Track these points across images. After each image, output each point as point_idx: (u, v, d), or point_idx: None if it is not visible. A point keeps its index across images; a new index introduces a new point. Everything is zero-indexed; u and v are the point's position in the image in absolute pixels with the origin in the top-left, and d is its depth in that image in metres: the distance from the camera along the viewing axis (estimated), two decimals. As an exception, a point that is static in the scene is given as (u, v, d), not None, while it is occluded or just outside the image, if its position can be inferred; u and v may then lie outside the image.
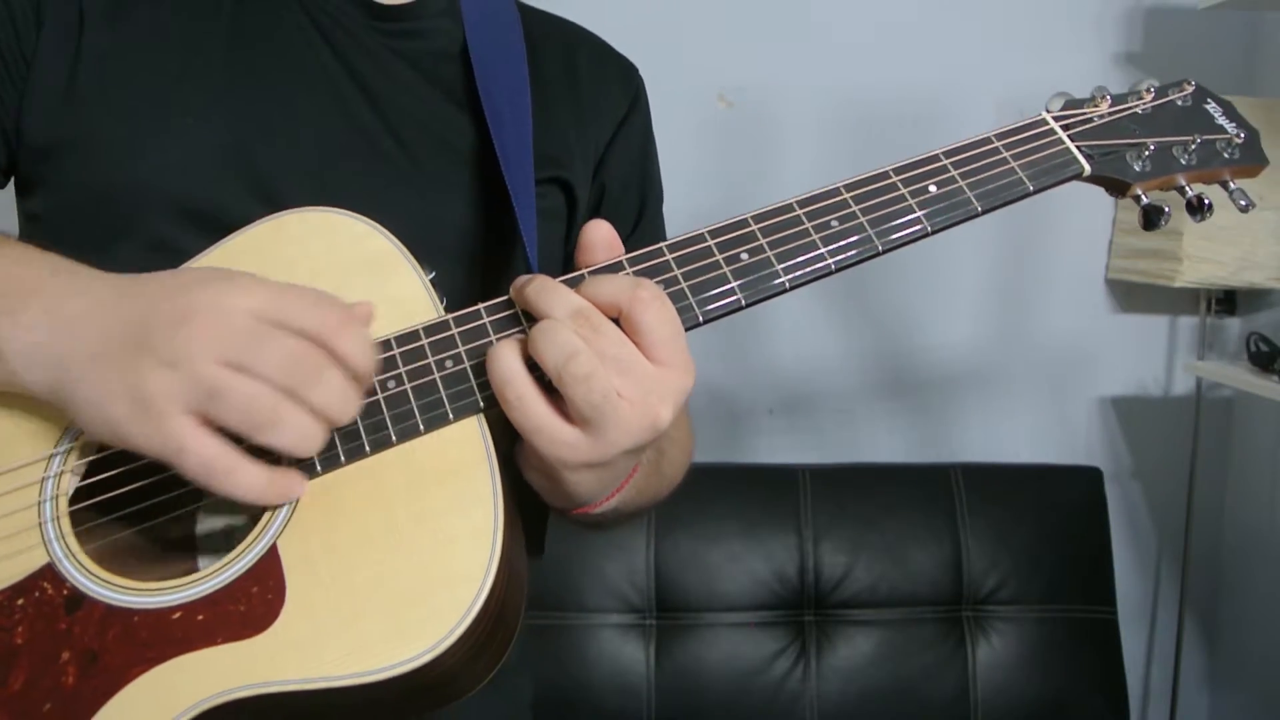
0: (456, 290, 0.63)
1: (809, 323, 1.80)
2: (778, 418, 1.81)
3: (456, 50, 0.75)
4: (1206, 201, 0.68)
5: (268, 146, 0.68)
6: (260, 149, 0.68)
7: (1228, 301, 1.81)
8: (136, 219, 0.66)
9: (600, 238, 0.60)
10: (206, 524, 0.62)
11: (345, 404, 0.54)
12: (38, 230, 0.70)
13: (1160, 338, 1.88)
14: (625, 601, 1.55)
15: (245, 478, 0.53)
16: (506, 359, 0.56)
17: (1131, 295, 1.85)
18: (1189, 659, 1.88)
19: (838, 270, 0.63)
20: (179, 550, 0.61)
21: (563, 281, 0.58)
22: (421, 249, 0.62)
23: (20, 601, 0.55)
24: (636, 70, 0.86)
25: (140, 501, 0.60)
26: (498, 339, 0.58)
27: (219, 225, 0.63)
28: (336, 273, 0.60)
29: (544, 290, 0.57)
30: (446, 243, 0.71)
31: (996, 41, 1.76)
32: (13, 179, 0.73)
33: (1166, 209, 0.69)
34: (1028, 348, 1.84)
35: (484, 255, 0.73)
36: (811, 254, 0.62)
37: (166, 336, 0.52)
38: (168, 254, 0.62)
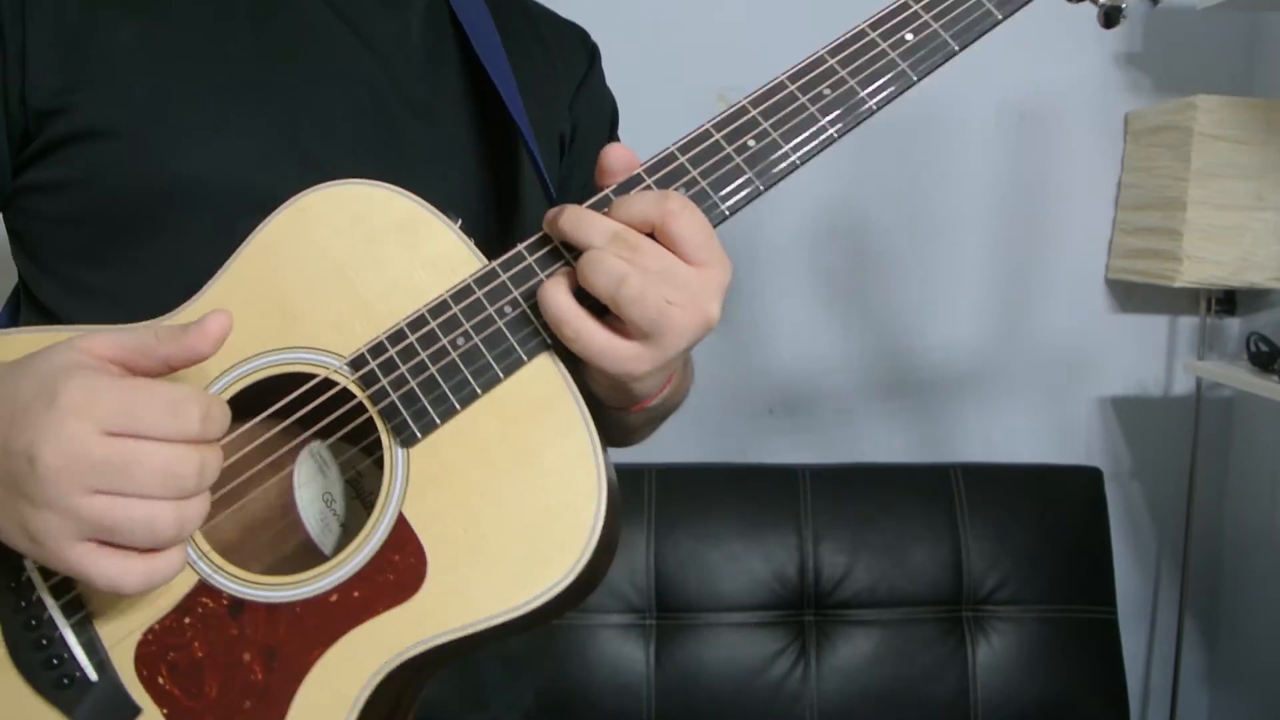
0: (480, 240, 0.65)
1: (809, 323, 1.80)
2: (778, 418, 1.81)
3: (447, 23, 0.78)
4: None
5: (309, 129, 0.69)
6: (302, 133, 0.68)
7: (1228, 301, 1.81)
8: (188, 211, 0.65)
9: (618, 160, 0.62)
10: (303, 496, 0.65)
11: (217, 469, 0.55)
12: (45, 229, 0.68)
13: (1160, 338, 1.88)
14: (625, 601, 1.55)
15: (155, 575, 0.53)
16: (556, 298, 0.59)
17: (1131, 295, 1.85)
18: (1189, 659, 1.88)
19: (840, 137, 0.64)
20: (286, 529, 0.65)
21: (590, 206, 0.61)
22: (448, 209, 0.64)
23: (186, 620, 0.58)
24: (589, 34, 0.91)
25: (241, 495, 0.63)
26: (545, 276, 0.61)
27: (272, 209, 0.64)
28: (368, 245, 0.62)
29: (579, 220, 0.59)
30: (469, 200, 0.73)
31: (996, 42, 1.76)
32: None
33: (1124, 4, 0.73)
34: (1028, 348, 1.84)
35: (499, 208, 0.76)
36: (813, 127, 0.63)
37: (29, 478, 0.50)
38: (223, 240, 0.62)
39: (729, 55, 1.72)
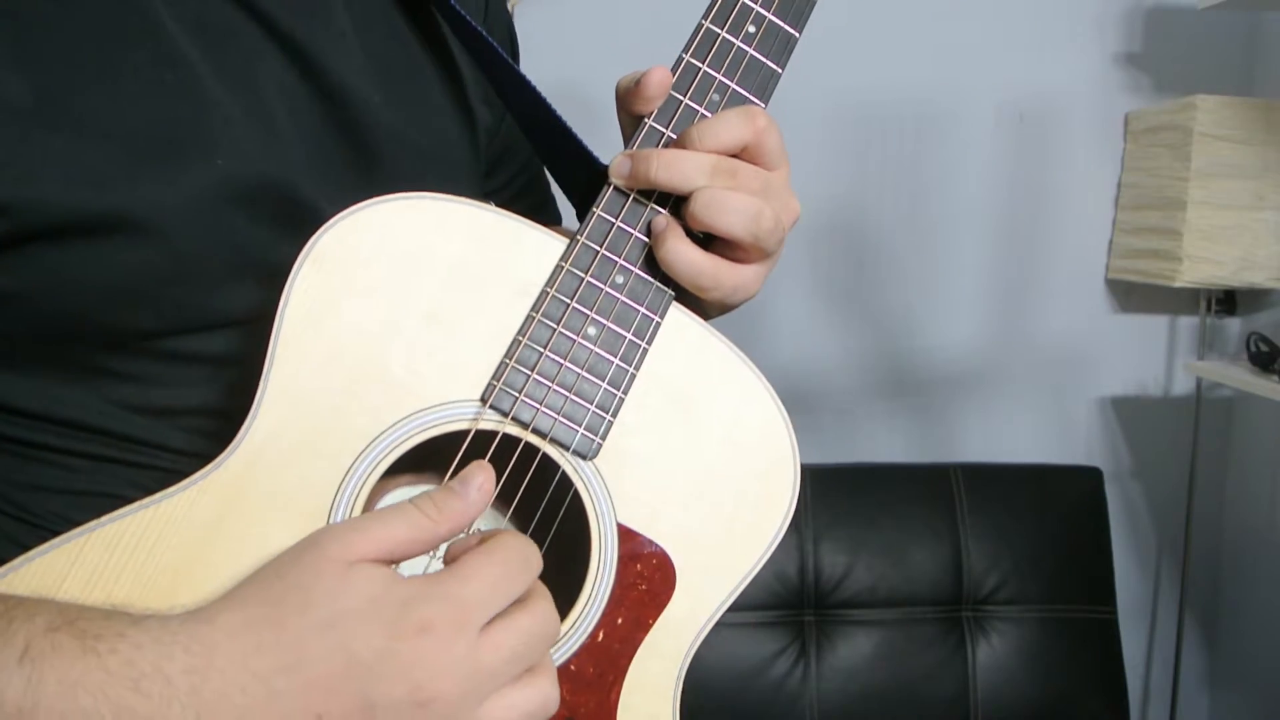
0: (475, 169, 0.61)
1: (809, 323, 1.80)
2: (778, 418, 1.81)
3: None
4: None
5: (281, 160, 0.56)
6: (276, 166, 0.56)
7: (1228, 301, 1.81)
8: (174, 300, 0.53)
9: (659, 83, 0.57)
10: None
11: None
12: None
13: (1160, 338, 1.88)
14: (625, 601, 1.55)
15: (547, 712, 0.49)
16: (684, 252, 0.56)
17: (1131, 295, 1.85)
18: (1189, 659, 1.88)
19: None
20: None
21: (644, 141, 0.57)
22: (445, 172, 0.60)
23: None
24: None
25: None
26: (639, 231, 0.57)
27: (269, 269, 0.53)
28: (426, 265, 0.54)
29: (673, 163, 0.55)
30: (459, 153, 0.68)
31: (996, 41, 1.76)
32: None
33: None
34: (1028, 348, 1.84)
35: (474, 130, 0.69)
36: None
37: (411, 719, 0.44)
38: (225, 329, 0.54)
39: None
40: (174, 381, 0.54)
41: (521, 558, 0.48)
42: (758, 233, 0.55)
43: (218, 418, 0.53)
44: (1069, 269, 1.83)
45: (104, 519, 0.48)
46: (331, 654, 0.43)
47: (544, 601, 0.49)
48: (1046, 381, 1.86)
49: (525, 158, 0.78)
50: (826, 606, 1.60)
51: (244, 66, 0.56)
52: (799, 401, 1.82)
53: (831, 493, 1.63)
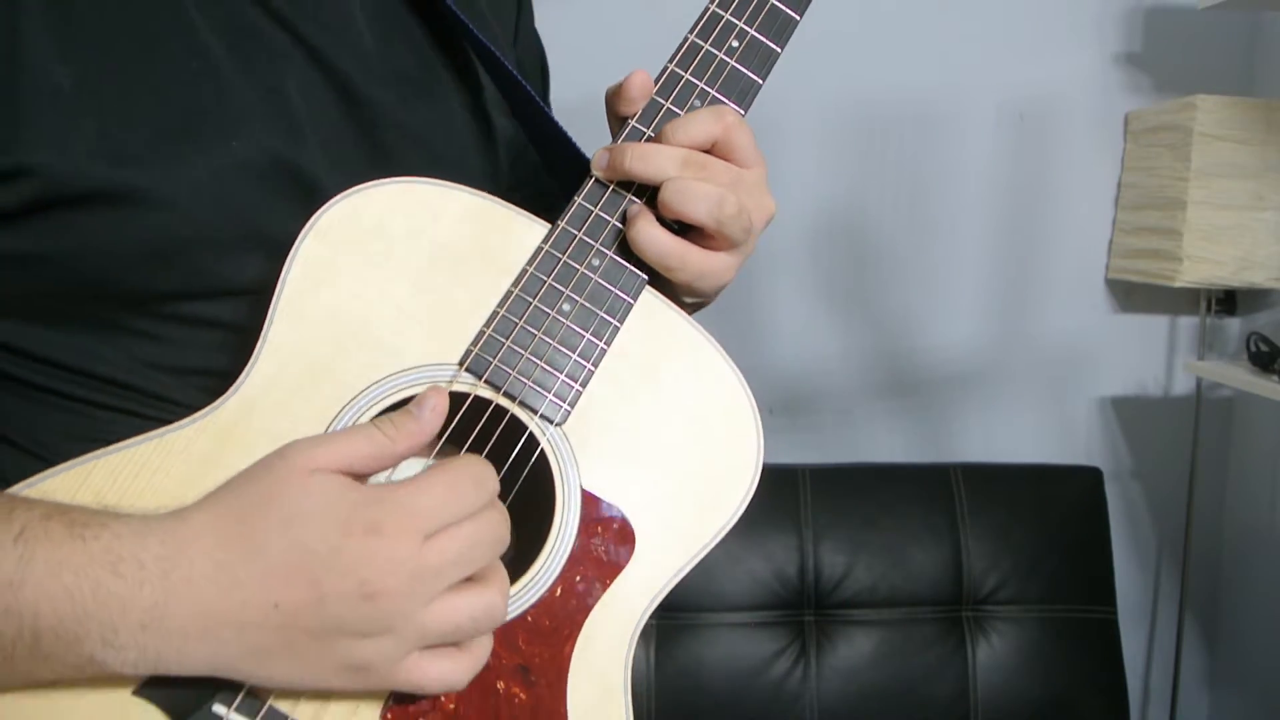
0: (480, 176, 0.65)
1: (809, 323, 1.80)
2: (778, 418, 1.81)
3: None
4: None
5: (296, 146, 0.61)
6: (291, 151, 0.61)
7: (1228, 301, 1.81)
8: (190, 267, 0.58)
9: (640, 86, 0.63)
10: None
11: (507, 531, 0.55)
12: (18, 304, 0.57)
13: (1160, 338, 1.88)
14: (625, 601, 1.55)
15: (479, 660, 0.54)
16: (654, 235, 0.60)
17: (1131, 295, 1.85)
18: (1189, 659, 1.88)
19: (799, 16, 0.67)
20: None
21: (627, 138, 0.62)
22: (460, 177, 0.63)
23: None
24: None
25: None
26: (616, 219, 0.62)
27: (278, 243, 0.58)
28: (421, 242, 0.60)
29: (647, 156, 0.60)
30: (464, 152, 0.71)
31: (996, 41, 1.76)
32: None
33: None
34: (1028, 348, 1.84)
35: (487, 141, 0.73)
36: (780, 16, 0.66)
37: (363, 614, 0.49)
38: (234, 281, 0.58)
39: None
40: (190, 343, 0.59)
41: (473, 475, 0.52)
42: (721, 218, 0.59)
43: (227, 379, 0.57)
44: (1069, 269, 1.83)
45: (111, 448, 0.54)
46: (289, 549, 0.48)
47: (493, 513, 0.53)
48: (1046, 381, 1.86)
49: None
50: (826, 606, 1.60)
51: (266, 63, 0.61)
52: (799, 401, 1.82)
53: (831, 493, 1.63)
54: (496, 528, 0.53)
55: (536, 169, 0.80)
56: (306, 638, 0.49)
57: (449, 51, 0.71)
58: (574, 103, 0.88)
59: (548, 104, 0.81)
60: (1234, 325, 1.86)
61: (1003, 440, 1.85)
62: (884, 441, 1.84)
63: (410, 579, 0.49)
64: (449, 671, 0.52)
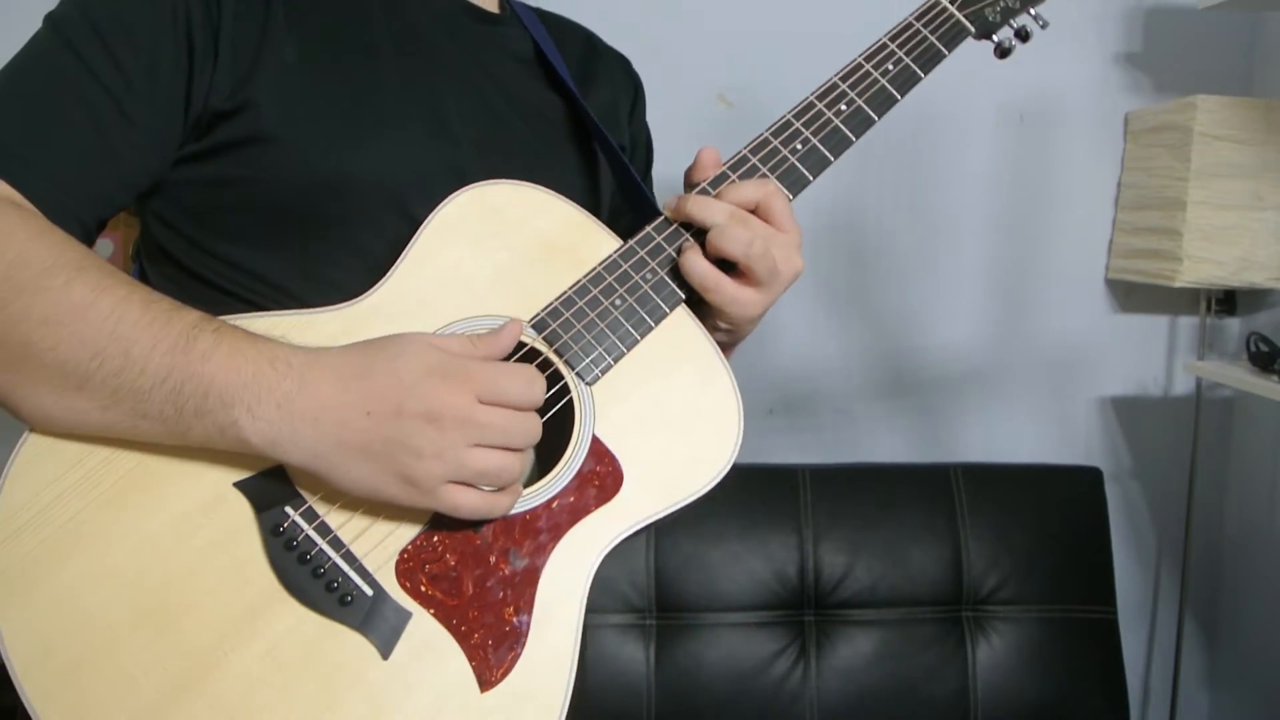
0: None
1: (809, 323, 1.80)
2: (778, 418, 1.81)
3: (530, 49, 0.93)
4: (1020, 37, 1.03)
5: (449, 142, 0.82)
6: (445, 145, 0.82)
7: (1228, 301, 1.81)
8: (349, 206, 0.78)
9: (710, 159, 0.83)
10: None
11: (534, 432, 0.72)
12: (209, 216, 0.78)
13: (1160, 338, 1.88)
14: (625, 601, 1.56)
15: (505, 507, 0.72)
16: (697, 262, 0.79)
17: (1131, 295, 1.85)
18: (1189, 659, 1.88)
19: (856, 140, 0.91)
20: None
21: (698, 194, 0.81)
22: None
23: (435, 538, 0.72)
24: (631, 63, 1.07)
25: None
26: (673, 249, 0.81)
27: (421, 208, 0.78)
28: (529, 231, 0.80)
29: (704, 205, 0.79)
30: (573, 194, 0.87)
31: (996, 41, 1.76)
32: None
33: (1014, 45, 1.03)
34: (1028, 348, 1.85)
35: (589, 203, 0.90)
36: (838, 136, 0.87)
37: (425, 435, 0.67)
38: (379, 230, 0.78)
39: (728, 60, 1.73)
40: (342, 265, 0.78)
41: (527, 376, 0.70)
42: (750, 255, 0.78)
43: (356, 295, 0.76)
44: (1069, 269, 1.83)
45: (275, 312, 0.75)
46: (387, 375, 0.68)
47: (531, 417, 0.70)
48: (1046, 381, 1.86)
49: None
50: (826, 606, 1.60)
51: (429, 78, 0.84)
52: (799, 401, 1.82)
53: (831, 493, 1.63)
54: (530, 425, 0.70)
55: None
56: (381, 443, 0.67)
57: (572, 122, 0.93)
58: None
59: (649, 179, 1.06)
60: (1234, 325, 1.86)
61: (1003, 440, 1.85)
62: (884, 441, 1.84)
63: (460, 422, 0.67)
64: (479, 502, 0.69)
